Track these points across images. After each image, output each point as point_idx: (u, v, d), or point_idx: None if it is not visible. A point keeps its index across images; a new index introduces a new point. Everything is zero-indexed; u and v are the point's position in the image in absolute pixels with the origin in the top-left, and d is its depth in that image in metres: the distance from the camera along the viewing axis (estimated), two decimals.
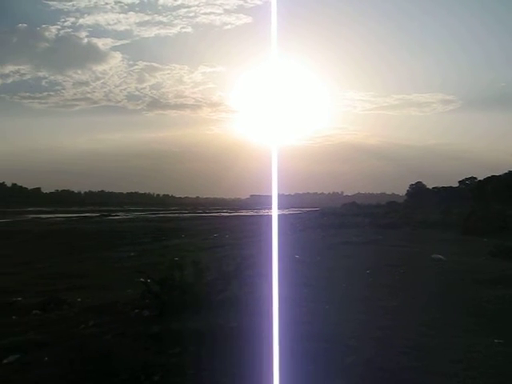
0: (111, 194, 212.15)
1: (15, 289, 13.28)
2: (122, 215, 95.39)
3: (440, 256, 17.16)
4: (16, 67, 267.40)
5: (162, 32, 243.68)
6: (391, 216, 50.59)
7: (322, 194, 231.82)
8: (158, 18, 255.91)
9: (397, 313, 9.08)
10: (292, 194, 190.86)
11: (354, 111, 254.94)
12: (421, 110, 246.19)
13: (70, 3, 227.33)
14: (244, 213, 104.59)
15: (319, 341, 7.00)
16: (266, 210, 69.06)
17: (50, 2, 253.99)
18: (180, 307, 8.47)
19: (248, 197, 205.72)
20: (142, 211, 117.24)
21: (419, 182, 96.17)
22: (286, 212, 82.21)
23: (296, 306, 9.15)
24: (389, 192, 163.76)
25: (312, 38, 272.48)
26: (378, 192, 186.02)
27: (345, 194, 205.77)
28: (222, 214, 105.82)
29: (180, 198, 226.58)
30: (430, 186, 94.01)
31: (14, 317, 9.90)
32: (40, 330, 8.34)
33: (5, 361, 6.92)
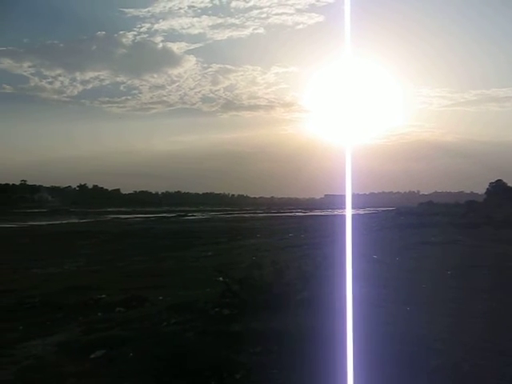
0: (187, 195, 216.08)
1: (99, 286, 13.70)
2: (198, 215, 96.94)
3: None
4: (95, 73, 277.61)
5: (235, 34, 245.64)
6: (471, 215, 48.95)
7: (398, 193, 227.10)
8: (230, 20, 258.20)
9: (483, 316, 8.74)
10: (367, 193, 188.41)
11: (429, 108, 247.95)
12: (500, 105, 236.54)
13: (146, 9, 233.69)
14: (318, 212, 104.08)
15: (402, 343, 6.83)
16: (341, 210, 68.46)
17: (127, 10, 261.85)
18: (260, 306, 8.48)
19: (322, 196, 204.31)
20: (218, 211, 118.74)
21: (499, 180, 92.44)
22: (361, 212, 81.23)
23: (376, 307, 9.00)
24: (467, 190, 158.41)
25: (385, 35, 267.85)
26: (456, 191, 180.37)
27: (421, 193, 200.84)
28: (297, 213, 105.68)
29: (255, 198, 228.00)
30: (511, 184, 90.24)
31: (99, 313, 10.23)
32: (124, 327, 8.58)
33: (92, 355, 7.15)
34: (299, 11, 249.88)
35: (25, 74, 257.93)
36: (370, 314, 7.79)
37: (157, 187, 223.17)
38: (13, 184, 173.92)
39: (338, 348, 5.86)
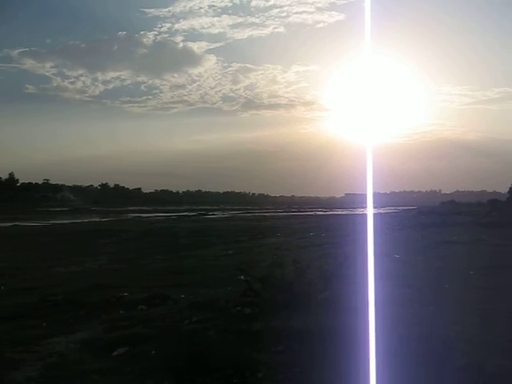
0: (208, 194, 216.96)
1: (121, 284, 13.77)
2: (218, 214, 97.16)
3: None
4: (117, 73, 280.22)
5: (255, 33, 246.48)
6: (494, 214, 48.43)
7: (419, 192, 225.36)
8: (250, 19, 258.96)
9: (508, 316, 8.62)
10: (388, 192, 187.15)
11: (451, 106, 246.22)
12: None
13: (166, 9, 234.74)
14: (339, 211, 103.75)
15: (426, 343, 6.77)
16: (362, 209, 68.12)
17: (147, 10, 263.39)
18: (281, 305, 8.47)
19: (343, 195, 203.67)
20: (238, 210, 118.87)
21: None
22: (382, 211, 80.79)
23: (399, 306, 8.93)
24: (490, 189, 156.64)
25: (406, 33, 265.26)
26: (478, 190, 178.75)
27: (443, 192, 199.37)
28: (317, 212, 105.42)
29: (275, 196, 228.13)
30: None
31: (121, 311, 10.28)
32: (146, 325, 8.62)
33: (115, 353, 7.20)
34: (319, 9, 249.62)
35: (47, 74, 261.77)
36: (393, 314, 7.73)
37: (177, 186, 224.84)
38: (35, 183, 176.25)
39: (360, 348, 5.83)
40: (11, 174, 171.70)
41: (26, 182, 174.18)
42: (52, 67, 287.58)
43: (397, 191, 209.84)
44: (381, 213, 70.15)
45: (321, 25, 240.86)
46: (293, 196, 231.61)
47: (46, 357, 7.42)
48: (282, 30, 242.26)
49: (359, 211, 72.53)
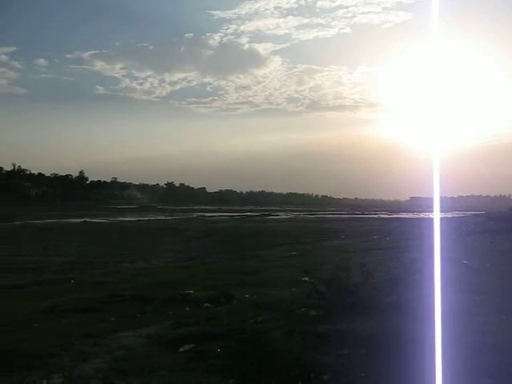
0: (271, 194, 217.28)
1: (186, 282, 14.00)
2: (281, 215, 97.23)
3: None
4: (183, 74, 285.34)
5: (321, 34, 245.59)
6: None
7: (488, 196, 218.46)
8: (316, 20, 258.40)
9: None
10: (455, 196, 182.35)
11: None
12: None
13: (232, 11, 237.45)
14: (404, 215, 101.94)
15: (497, 353, 6.55)
16: (427, 213, 66.67)
17: (214, 12, 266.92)
18: (346, 308, 8.39)
19: (408, 199, 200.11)
20: (301, 211, 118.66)
21: None
22: (448, 215, 78.81)
23: (468, 314, 8.68)
24: None
25: (477, 32, 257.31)
26: None
27: None
28: (381, 215, 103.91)
29: (338, 199, 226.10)
30: None
31: (187, 308, 10.44)
32: (212, 323, 8.72)
33: (181, 349, 7.31)
34: (386, 9, 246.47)
35: (116, 75, 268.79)
36: (461, 322, 7.53)
37: (241, 186, 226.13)
38: (104, 181, 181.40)
39: (426, 355, 5.71)
40: (81, 173, 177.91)
41: (95, 180, 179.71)
42: (121, 69, 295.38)
43: (464, 195, 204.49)
44: (448, 217, 68.41)
45: (387, 25, 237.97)
46: (356, 198, 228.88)
47: (114, 350, 7.61)
48: (347, 30, 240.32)
49: (425, 215, 71.10)
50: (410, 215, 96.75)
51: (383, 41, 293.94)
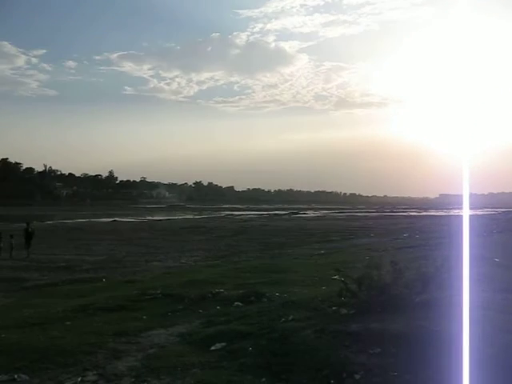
0: (299, 193, 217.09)
1: (216, 281, 14.03)
2: (310, 213, 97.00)
3: None
4: (210, 74, 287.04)
5: (347, 31, 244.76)
6: None
7: None
8: (342, 17, 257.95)
9: None
10: (485, 193, 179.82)
11: None
12: None
13: (258, 10, 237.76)
14: (433, 212, 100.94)
15: None
16: (457, 210, 65.89)
17: (240, 11, 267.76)
18: (378, 307, 8.33)
19: (437, 196, 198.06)
20: (330, 210, 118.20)
21: None
22: (479, 212, 77.71)
23: (500, 313, 8.54)
24: None
25: (504, 28, 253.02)
26: None
27: None
28: (411, 213, 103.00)
29: (367, 196, 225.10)
30: None
31: (217, 307, 10.49)
32: (242, 321, 8.73)
33: (212, 347, 7.36)
34: (414, 5, 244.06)
35: (144, 76, 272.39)
36: (494, 321, 7.42)
37: (269, 185, 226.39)
38: (133, 180, 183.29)
39: (457, 353, 5.65)
40: (111, 172, 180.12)
41: (125, 179, 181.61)
42: (149, 69, 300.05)
43: (495, 192, 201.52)
44: (478, 214, 67.47)
45: (415, 21, 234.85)
46: (385, 196, 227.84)
47: (146, 348, 7.71)
48: (375, 27, 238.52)
49: (454, 212, 70.25)
50: (440, 213, 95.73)
51: (411, 37, 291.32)
